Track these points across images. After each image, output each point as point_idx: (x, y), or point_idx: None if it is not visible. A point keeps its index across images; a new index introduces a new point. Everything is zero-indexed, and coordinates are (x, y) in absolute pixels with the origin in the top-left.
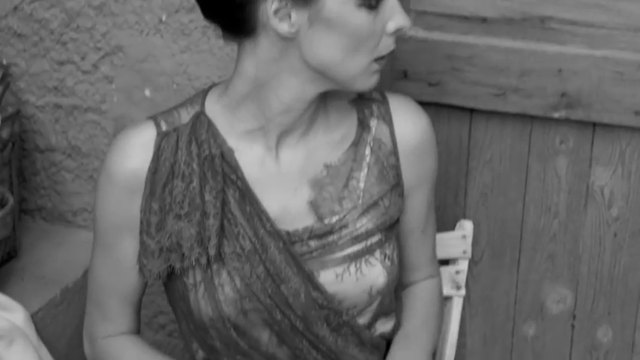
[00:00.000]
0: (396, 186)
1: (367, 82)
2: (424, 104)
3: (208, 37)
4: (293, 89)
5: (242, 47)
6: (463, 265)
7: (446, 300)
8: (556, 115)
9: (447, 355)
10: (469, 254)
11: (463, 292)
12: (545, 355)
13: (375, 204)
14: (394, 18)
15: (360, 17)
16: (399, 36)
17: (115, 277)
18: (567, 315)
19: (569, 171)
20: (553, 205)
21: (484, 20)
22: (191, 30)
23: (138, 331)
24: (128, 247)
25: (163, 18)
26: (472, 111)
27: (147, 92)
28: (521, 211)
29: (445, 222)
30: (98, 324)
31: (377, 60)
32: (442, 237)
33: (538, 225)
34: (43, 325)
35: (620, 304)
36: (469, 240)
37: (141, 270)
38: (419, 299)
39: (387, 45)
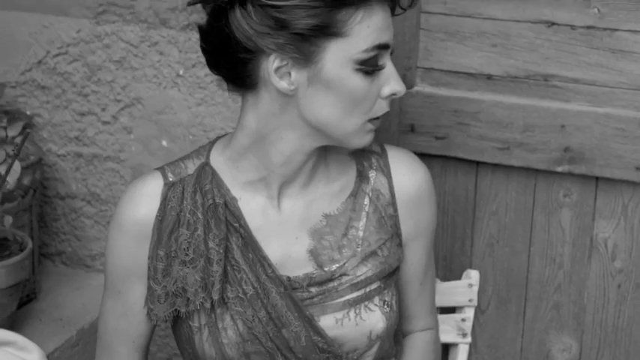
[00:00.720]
0: (395, 236)
1: (362, 141)
2: (431, 157)
3: (223, 90)
4: (292, 143)
5: (245, 100)
6: (469, 313)
7: (452, 347)
8: (559, 169)
9: None
10: (475, 302)
11: (469, 339)
12: None
13: (373, 253)
14: (389, 84)
15: (357, 81)
16: (394, 98)
17: (124, 322)
18: None
19: (573, 223)
20: (558, 256)
21: (489, 77)
22: (207, 84)
23: None
24: (136, 293)
25: (180, 72)
26: (478, 164)
27: (164, 142)
28: (526, 262)
29: (452, 271)
30: None
31: (371, 120)
32: (449, 285)
33: (543, 275)
34: None
35: (624, 354)
36: (475, 288)
37: (148, 314)
38: (415, 349)
39: (381, 107)
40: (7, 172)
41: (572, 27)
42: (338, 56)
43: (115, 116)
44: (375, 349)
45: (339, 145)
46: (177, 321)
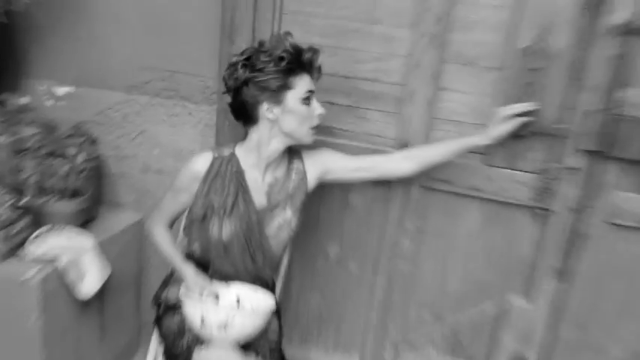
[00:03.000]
0: (304, 187)
1: (310, 139)
2: None
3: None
4: (274, 145)
5: (251, 128)
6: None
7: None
8: None
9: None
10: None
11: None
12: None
13: (293, 195)
14: (317, 109)
15: (303, 108)
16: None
17: (172, 202)
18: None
19: None
20: None
21: None
22: (175, 116)
23: (171, 227)
24: (182, 197)
25: (165, 118)
26: None
27: (155, 152)
28: None
29: None
30: (156, 215)
31: (312, 128)
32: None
33: None
34: (102, 249)
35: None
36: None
37: (190, 211)
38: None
39: (314, 120)
40: (77, 155)
41: None
42: (293, 98)
43: (131, 140)
44: (282, 248)
45: (298, 143)
46: (199, 220)
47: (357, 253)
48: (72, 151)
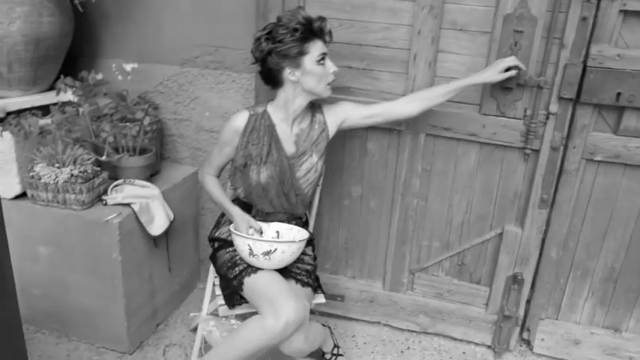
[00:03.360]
0: (326, 135)
1: (327, 93)
2: None
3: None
4: (299, 101)
5: (278, 90)
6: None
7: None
8: None
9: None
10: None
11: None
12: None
13: (317, 142)
14: (331, 67)
15: (319, 68)
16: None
17: (218, 155)
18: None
19: None
20: None
21: None
22: (225, 87)
23: (218, 177)
24: (226, 150)
25: (213, 85)
26: None
27: (207, 113)
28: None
29: None
30: (206, 168)
31: (328, 84)
32: None
33: None
34: (166, 197)
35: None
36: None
37: (233, 161)
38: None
39: (330, 77)
40: (143, 119)
41: None
42: (309, 61)
43: (186, 106)
44: (311, 188)
45: (318, 97)
46: (241, 168)
47: (375, 193)
48: (139, 115)
